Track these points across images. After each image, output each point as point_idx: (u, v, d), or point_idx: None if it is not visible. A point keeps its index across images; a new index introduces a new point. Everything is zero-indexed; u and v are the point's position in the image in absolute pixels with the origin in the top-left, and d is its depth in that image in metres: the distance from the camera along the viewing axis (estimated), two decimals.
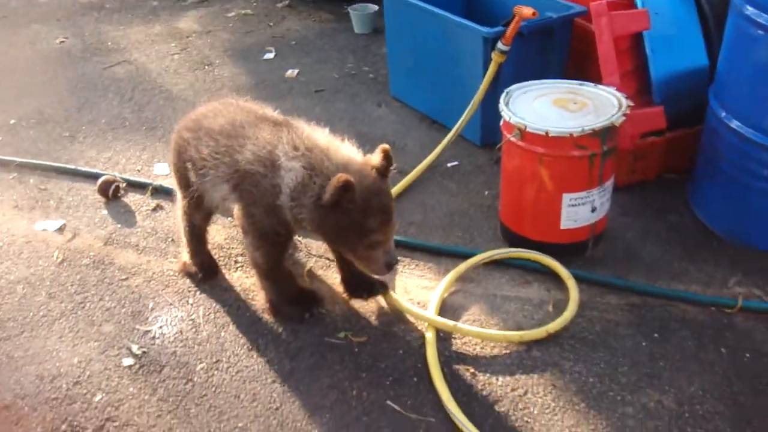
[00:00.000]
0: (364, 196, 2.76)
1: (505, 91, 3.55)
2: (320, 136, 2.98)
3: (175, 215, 3.90)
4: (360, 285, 3.39)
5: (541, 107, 3.44)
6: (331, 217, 2.80)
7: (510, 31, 4.00)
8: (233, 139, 3.04)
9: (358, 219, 2.78)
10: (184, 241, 3.55)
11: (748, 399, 2.85)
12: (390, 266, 2.95)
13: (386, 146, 2.89)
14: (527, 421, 2.79)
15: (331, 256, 3.50)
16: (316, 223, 2.89)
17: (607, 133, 3.26)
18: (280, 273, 3.24)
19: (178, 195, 3.46)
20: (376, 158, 2.88)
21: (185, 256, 3.59)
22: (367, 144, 3.31)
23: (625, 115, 3.31)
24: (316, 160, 2.84)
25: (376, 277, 3.26)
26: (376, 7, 6.42)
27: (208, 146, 3.10)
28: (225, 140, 3.06)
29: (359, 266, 3.08)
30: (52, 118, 5.18)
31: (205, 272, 3.56)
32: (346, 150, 2.94)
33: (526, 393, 2.91)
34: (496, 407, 2.85)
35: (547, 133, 3.24)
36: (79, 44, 6.50)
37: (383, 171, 2.88)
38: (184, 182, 3.33)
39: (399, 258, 3.11)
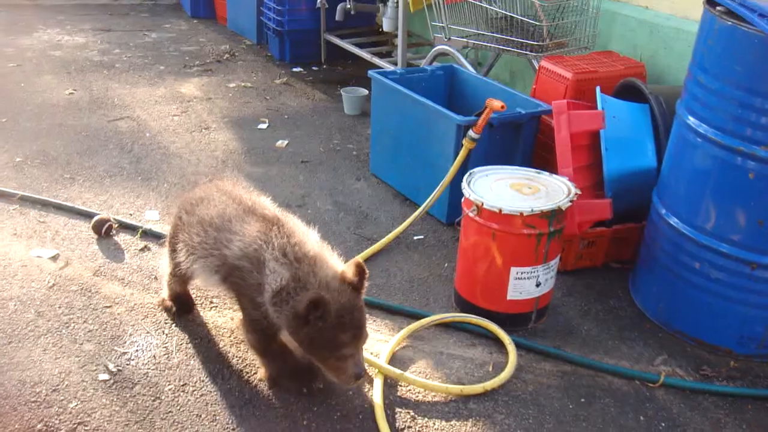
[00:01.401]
0: (339, 313, 2.87)
1: (469, 172, 3.92)
2: (310, 244, 3.08)
3: (160, 258, 4.25)
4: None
5: (499, 189, 3.81)
6: (304, 330, 2.91)
7: (481, 121, 4.38)
8: (221, 233, 3.19)
9: (331, 334, 2.89)
10: (164, 282, 3.84)
11: None
12: (358, 377, 3.04)
13: (360, 261, 3.01)
14: None
15: None
16: (292, 332, 3.01)
17: (554, 215, 3.63)
18: (274, 351, 3.33)
19: (165, 257, 3.73)
20: (350, 272, 2.99)
21: (165, 293, 3.86)
22: (342, 212, 3.68)
23: (571, 201, 3.69)
24: (303, 273, 2.94)
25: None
26: (366, 92, 6.84)
27: (198, 235, 3.28)
28: (214, 233, 3.21)
29: (327, 374, 3.15)
30: (55, 160, 5.54)
31: (180, 308, 3.85)
32: (331, 263, 3.04)
33: None
34: None
35: (500, 210, 3.61)
36: (86, 97, 6.90)
37: (357, 286, 2.99)
38: (174, 257, 3.53)
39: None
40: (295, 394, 3.36)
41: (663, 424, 3.36)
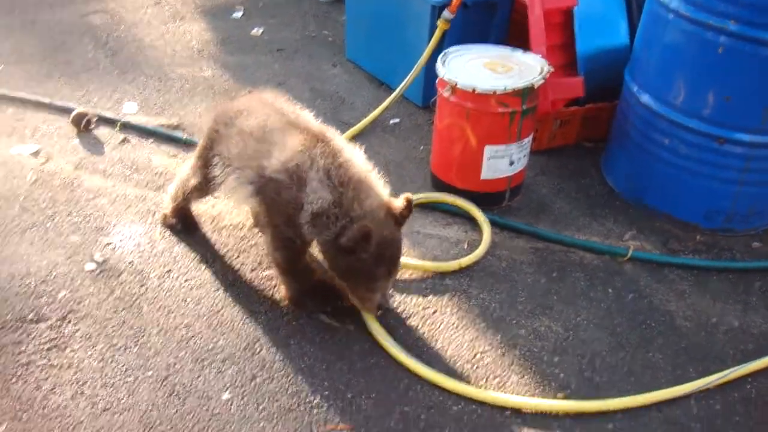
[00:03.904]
0: (379, 247, 2.84)
1: (444, 52, 3.95)
2: (356, 167, 2.95)
3: (142, 154, 4.31)
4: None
5: (473, 68, 3.84)
6: (343, 259, 2.89)
7: (455, 1, 4.37)
8: (261, 143, 3.04)
9: (368, 266, 2.88)
10: (170, 196, 3.69)
11: (624, 330, 3.30)
12: (381, 308, 3.16)
13: (410, 196, 2.93)
14: (433, 334, 3.23)
15: None
16: (328, 258, 3.00)
17: (527, 93, 3.68)
18: (299, 271, 3.26)
19: (188, 167, 3.55)
20: (398, 205, 2.93)
21: (167, 208, 3.74)
22: (318, 98, 3.70)
23: (544, 79, 3.73)
24: (346, 200, 2.84)
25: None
26: None
27: (237, 146, 3.13)
28: (254, 143, 3.06)
29: (352, 299, 3.14)
30: (30, 57, 5.51)
31: (185, 226, 3.74)
32: (376, 191, 2.94)
33: (435, 312, 3.35)
34: (408, 321, 3.29)
35: (474, 89, 3.65)
36: None
37: (401, 220, 2.96)
38: (205, 171, 3.35)
39: None
40: (319, 313, 3.33)
41: (630, 296, 3.51)
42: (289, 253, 3.16)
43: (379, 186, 2.99)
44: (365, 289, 3.02)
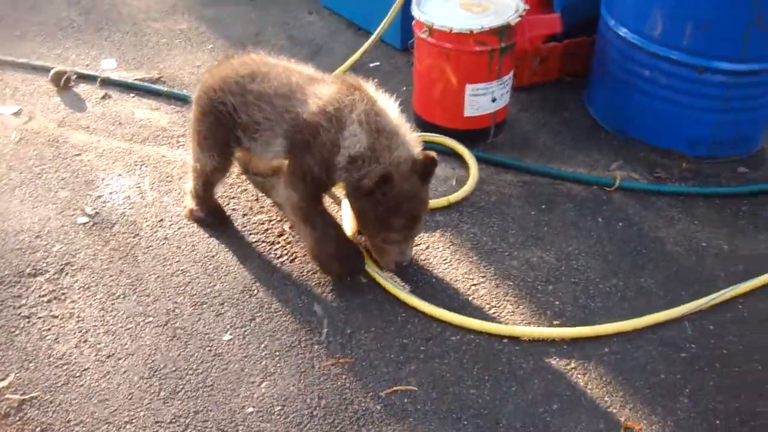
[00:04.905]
0: (398, 197, 2.84)
1: None
2: (390, 116, 2.94)
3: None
4: None
5: (448, 9, 3.86)
6: (362, 202, 2.90)
7: None
8: (290, 99, 3.02)
9: (384, 214, 2.88)
10: (190, 190, 3.50)
11: (615, 257, 3.36)
12: (398, 265, 3.11)
13: (432, 154, 2.90)
14: (427, 269, 3.28)
15: None
16: (350, 200, 3.01)
17: (504, 31, 3.71)
18: (318, 215, 3.14)
19: (196, 156, 3.37)
20: (419, 161, 2.90)
21: (190, 203, 3.53)
22: (296, 46, 3.70)
23: (520, 16, 3.76)
24: (379, 146, 2.85)
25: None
26: None
27: (261, 110, 3.07)
28: (282, 101, 3.03)
29: (372, 252, 3.18)
30: (2, 18, 5.46)
31: (216, 218, 3.53)
32: (407, 145, 2.92)
33: (427, 248, 3.40)
34: None
35: (451, 29, 3.67)
36: None
37: (425, 177, 2.93)
38: (220, 146, 3.25)
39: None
40: (345, 277, 3.26)
41: (620, 224, 3.56)
42: (308, 188, 3.05)
43: (411, 140, 2.97)
44: (381, 240, 3.02)
